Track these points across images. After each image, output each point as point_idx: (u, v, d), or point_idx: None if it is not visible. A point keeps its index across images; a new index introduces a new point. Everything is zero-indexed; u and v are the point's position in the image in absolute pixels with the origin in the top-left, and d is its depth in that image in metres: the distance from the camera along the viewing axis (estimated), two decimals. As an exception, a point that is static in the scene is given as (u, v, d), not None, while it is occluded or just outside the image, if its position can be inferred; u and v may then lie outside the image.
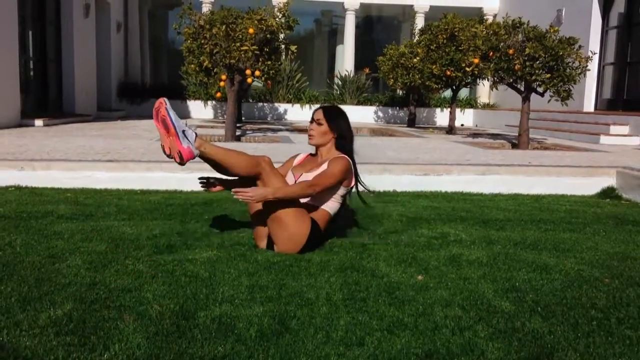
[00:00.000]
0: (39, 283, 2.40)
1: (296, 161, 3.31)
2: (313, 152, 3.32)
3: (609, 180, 5.25)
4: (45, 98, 11.68)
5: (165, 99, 2.76)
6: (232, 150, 2.93)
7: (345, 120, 3.22)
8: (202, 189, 3.14)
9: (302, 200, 3.01)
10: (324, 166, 3.07)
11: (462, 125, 15.13)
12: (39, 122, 9.55)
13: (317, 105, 15.37)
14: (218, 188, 3.13)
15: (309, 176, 3.06)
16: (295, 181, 3.11)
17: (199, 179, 3.14)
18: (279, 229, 2.92)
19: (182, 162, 2.78)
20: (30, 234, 3.19)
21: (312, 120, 3.20)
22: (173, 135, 2.68)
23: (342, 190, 3.13)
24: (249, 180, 2.93)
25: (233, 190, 2.80)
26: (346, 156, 3.13)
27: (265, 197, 2.81)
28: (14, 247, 2.92)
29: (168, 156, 2.79)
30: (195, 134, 2.80)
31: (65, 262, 2.70)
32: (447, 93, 14.22)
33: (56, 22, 11.77)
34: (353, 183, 3.19)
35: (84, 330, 1.97)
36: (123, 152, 5.80)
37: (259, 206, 2.94)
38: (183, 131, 2.71)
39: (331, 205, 3.11)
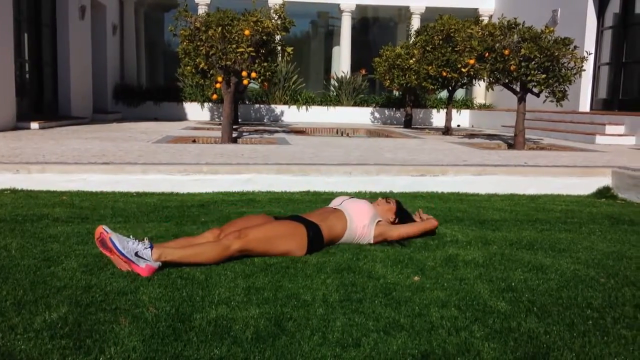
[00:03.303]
0: (34, 286, 2.39)
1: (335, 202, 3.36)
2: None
3: (604, 180, 5.27)
4: (40, 100, 11.65)
5: (104, 228, 2.58)
6: (196, 244, 2.76)
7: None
8: None
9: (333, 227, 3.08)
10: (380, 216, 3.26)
11: (458, 125, 15.15)
12: (34, 125, 9.53)
13: (315, 107, 15.43)
14: None
15: (350, 201, 3.24)
16: (341, 203, 3.23)
17: None
18: (274, 249, 2.88)
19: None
20: (26, 237, 3.18)
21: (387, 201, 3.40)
22: (127, 262, 2.56)
23: (369, 240, 3.19)
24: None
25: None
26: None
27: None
28: (9, 250, 2.92)
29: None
30: (151, 245, 2.60)
31: (60, 265, 2.69)
32: (443, 94, 14.25)
33: (52, 24, 11.74)
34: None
35: (79, 333, 1.96)
36: (119, 154, 5.79)
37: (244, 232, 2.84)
38: (135, 253, 2.55)
39: (349, 237, 3.15)
